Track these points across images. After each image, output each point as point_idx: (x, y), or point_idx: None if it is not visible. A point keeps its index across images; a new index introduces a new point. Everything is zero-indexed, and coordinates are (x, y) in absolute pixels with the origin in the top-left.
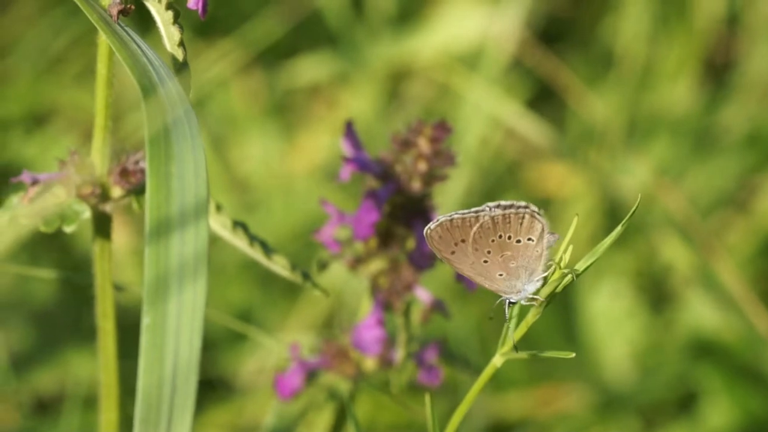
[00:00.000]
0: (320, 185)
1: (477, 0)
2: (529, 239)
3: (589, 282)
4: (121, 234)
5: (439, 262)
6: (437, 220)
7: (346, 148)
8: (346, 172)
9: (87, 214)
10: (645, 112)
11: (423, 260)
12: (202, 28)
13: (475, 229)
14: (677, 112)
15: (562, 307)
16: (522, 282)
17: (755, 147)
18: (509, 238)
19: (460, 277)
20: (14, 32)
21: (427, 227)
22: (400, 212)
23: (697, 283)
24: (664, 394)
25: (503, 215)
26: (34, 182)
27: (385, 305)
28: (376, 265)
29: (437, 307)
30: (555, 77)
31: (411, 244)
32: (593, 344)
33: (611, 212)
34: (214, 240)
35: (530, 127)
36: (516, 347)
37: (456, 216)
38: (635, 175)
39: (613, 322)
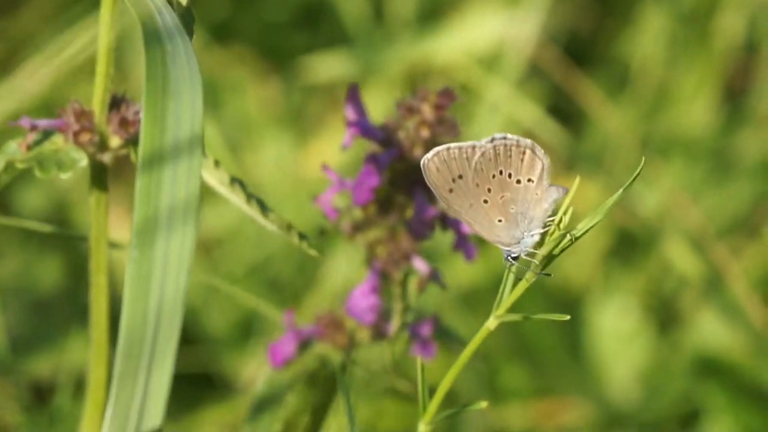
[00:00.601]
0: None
1: (496, 3)
2: (529, 180)
3: (597, 299)
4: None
5: (438, 233)
6: (434, 151)
7: (349, 113)
8: (349, 137)
9: (84, 162)
10: (660, 131)
11: (422, 228)
12: (220, 33)
13: (476, 158)
14: (693, 133)
15: (568, 322)
16: (521, 230)
17: None
18: (509, 176)
19: (459, 244)
20: (29, 29)
21: (424, 157)
22: (400, 180)
23: (708, 301)
24: (668, 412)
25: (505, 146)
26: (33, 128)
27: (381, 274)
28: (374, 233)
29: (434, 277)
30: (572, 85)
31: (410, 212)
32: (598, 361)
33: (624, 227)
34: (220, 243)
35: (548, 132)
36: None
37: (453, 146)
38: (650, 191)
39: (619, 340)
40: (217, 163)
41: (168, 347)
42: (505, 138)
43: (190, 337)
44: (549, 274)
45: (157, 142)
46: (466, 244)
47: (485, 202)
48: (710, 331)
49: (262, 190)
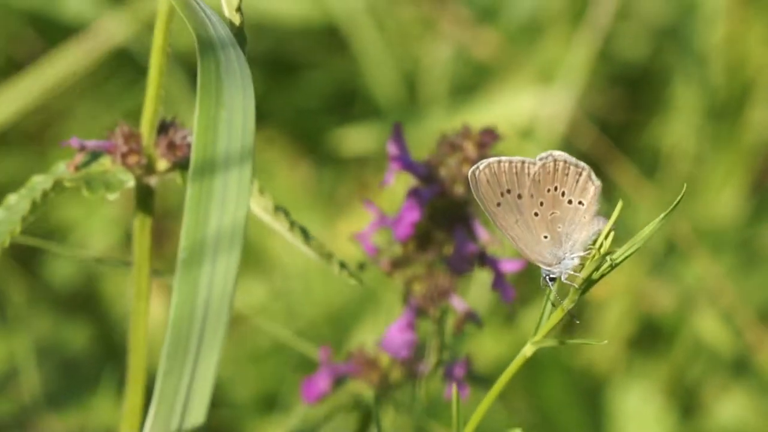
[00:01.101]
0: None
1: (530, 80)
2: (579, 202)
3: (620, 384)
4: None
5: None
6: (485, 162)
7: (391, 149)
8: (391, 173)
9: (131, 183)
10: (689, 219)
11: (461, 264)
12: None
13: (536, 168)
14: (721, 224)
15: (591, 405)
16: (564, 251)
17: None
18: (563, 194)
19: (497, 284)
20: (68, 103)
21: (474, 167)
22: (440, 216)
23: (737, 384)
24: None
25: (564, 163)
26: (82, 148)
27: (418, 312)
28: (413, 270)
29: (471, 317)
30: (608, 163)
31: (449, 249)
32: None
33: (648, 315)
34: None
35: None
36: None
37: (504, 159)
38: (678, 278)
39: (642, 425)
40: (262, 190)
41: (215, 338)
42: (564, 157)
43: (215, 403)
44: (577, 320)
45: (209, 150)
46: (504, 284)
47: (536, 214)
48: (734, 416)
49: (290, 272)
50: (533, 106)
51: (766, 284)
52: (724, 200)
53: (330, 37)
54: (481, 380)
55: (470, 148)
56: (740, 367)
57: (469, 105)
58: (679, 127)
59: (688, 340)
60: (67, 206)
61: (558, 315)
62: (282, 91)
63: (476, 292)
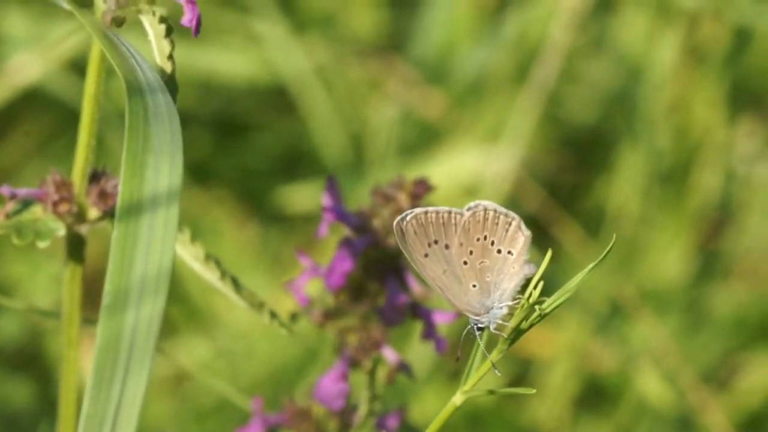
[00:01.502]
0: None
1: (477, 140)
2: (509, 252)
3: None
4: None
5: (408, 322)
6: (412, 213)
7: (325, 201)
8: (325, 224)
9: (62, 231)
10: (634, 279)
11: (393, 315)
12: (199, 174)
13: (465, 218)
14: (666, 285)
15: None
16: (492, 301)
17: (740, 329)
18: (492, 243)
19: (428, 334)
20: (14, 160)
21: (400, 217)
22: (373, 267)
23: None
24: None
25: (494, 212)
26: (13, 196)
27: (351, 363)
28: (346, 321)
29: (403, 368)
30: (551, 222)
31: (382, 300)
32: None
33: (593, 375)
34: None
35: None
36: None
37: (431, 210)
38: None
39: None
40: (192, 240)
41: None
42: (494, 207)
43: None
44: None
45: (135, 194)
46: (436, 335)
47: (465, 263)
48: None
49: (235, 331)
50: (478, 165)
51: (710, 345)
52: (670, 262)
53: (278, 98)
54: (415, 430)
55: (403, 199)
56: (684, 429)
57: (416, 164)
58: (626, 189)
59: (632, 401)
60: (12, 263)
61: (487, 366)
62: (230, 152)
63: (421, 347)
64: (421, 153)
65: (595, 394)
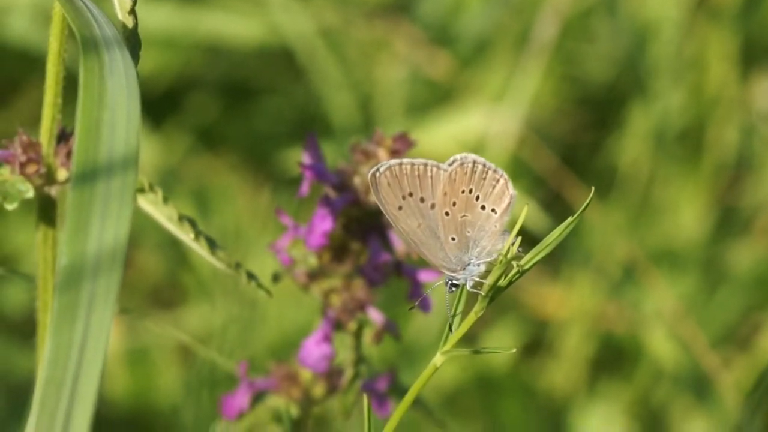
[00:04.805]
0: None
1: (482, 99)
2: (493, 210)
3: (583, 406)
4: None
5: (393, 280)
6: (386, 164)
7: (305, 159)
8: (306, 183)
9: (30, 193)
10: (649, 238)
11: (376, 274)
12: (208, 141)
13: (454, 167)
14: (682, 241)
15: (552, 427)
16: (469, 257)
17: (760, 287)
18: (477, 198)
19: (414, 294)
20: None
21: (374, 169)
22: (355, 226)
23: (698, 410)
24: None
25: (483, 167)
26: None
27: (336, 324)
28: (329, 282)
29: (389, 328)
30: (559, 182)
31: (365, 259)
32: None
33: (610, 335)
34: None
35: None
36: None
37: (405, 162)
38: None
39: None
40: (166, 199)
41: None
42: (483, 161)
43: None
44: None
45: (91, 153)
46: (420, 294)
47: (446, 214)
48: None
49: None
50: (484, 125)
51: (729, 303)
52: (687, 219)
53: (286, 61)
54: (404, 391)
55: (382, 155)
56: (702, 390)
57: (423, 124)
58: (639, 147)
59: (649, 362)
60: (16, 233)
61: (466, 326)
62: (239, 116)
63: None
64: (428, 113)
65: (612, 356)
